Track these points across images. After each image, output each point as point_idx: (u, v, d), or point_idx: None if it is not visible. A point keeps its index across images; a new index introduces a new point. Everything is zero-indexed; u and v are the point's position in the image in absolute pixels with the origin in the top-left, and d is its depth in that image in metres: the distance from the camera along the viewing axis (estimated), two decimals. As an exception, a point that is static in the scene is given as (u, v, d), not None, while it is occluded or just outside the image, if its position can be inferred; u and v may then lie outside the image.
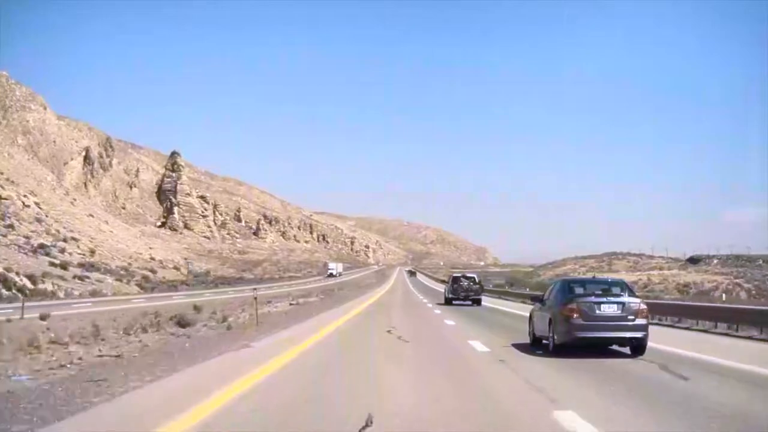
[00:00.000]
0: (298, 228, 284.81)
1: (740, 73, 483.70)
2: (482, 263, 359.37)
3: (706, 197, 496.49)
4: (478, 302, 47.69)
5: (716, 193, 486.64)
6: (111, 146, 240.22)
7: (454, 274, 53.30)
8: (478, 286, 49.06)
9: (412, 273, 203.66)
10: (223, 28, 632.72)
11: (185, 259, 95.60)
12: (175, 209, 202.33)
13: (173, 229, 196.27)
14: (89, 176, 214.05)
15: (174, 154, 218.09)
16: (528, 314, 19.93)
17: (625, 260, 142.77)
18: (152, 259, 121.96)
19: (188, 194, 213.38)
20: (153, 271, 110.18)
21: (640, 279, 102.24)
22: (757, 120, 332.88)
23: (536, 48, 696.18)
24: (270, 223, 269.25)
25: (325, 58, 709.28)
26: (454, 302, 47.34)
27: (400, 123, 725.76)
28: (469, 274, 52.60)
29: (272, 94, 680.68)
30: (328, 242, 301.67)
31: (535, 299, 20.44)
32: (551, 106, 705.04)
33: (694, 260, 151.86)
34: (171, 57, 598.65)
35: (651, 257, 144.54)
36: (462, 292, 47.65)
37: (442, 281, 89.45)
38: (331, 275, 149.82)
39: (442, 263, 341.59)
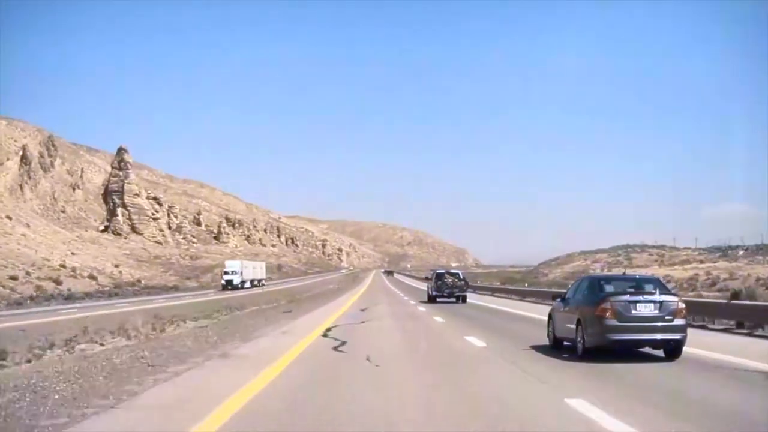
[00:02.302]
0: (265, 231, 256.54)
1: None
2: (455, 264, 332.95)
3: (687, 193, 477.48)
4: (463, 299, 45.95)
5: (697, 188, 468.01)
6: (53, 145, 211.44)
7: (438, 271, 50.41)
8: (462, 282, 47.18)
9: (389, 273, 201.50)
10: (195, 28, 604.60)
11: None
12: (119, 211, 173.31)
13: (116, 233, 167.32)
14: (26, 177, 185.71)
15: (121, 151, 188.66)
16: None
17: (646, 253, 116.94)
18: (62, 266, 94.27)
19: (137, 194, 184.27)
20: (57, 281, 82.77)
21: (697, 274, 76.12)
22: (742, 117, 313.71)
23: (520, 43, 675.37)
24: (233, 226, 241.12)
25: (298, 61, 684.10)
26: (438, 299, 45.81)
27: (376, 124, 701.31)
28: (453, 271, 50.93)
29: (246, 100, 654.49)
30: (297, 246, 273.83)
31: (556, 297, 18.54)
32: (535, 106, 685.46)
33: (718, 251, 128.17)
34: (143, 62, 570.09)
35: (675, 249, 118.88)
36: (446, 289, 46.11)
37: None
38: (229, 284, 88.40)
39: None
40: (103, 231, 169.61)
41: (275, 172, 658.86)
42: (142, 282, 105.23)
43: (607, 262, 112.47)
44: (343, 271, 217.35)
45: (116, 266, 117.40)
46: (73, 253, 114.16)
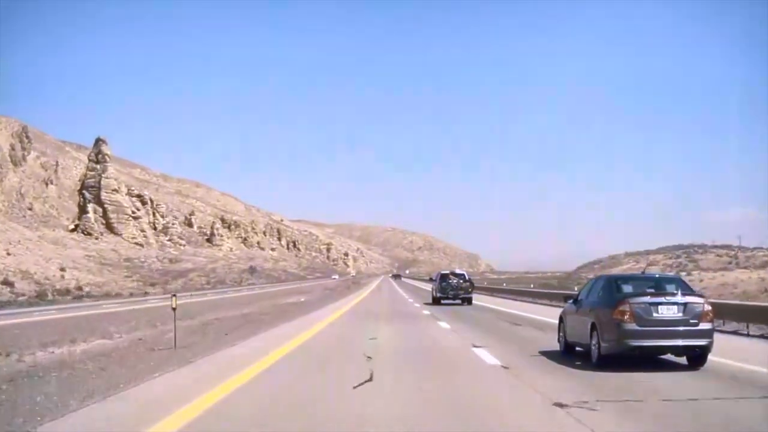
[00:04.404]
0: (264, 234, 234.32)
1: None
2: (459, 271, 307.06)
3: (689, 198, 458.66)
4: (468, 301, 43.23)
5: (698, 193, 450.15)
6: (27, 137, 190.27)
7: (442, 272, 47.49)
8: (468, 283, 44.26)
9: (396, 276, 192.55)
10: (196, 27, 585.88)
11: None
12: (90, 207, 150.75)
13: (87, 232, 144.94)
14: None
15: (99, 142, 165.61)
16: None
17: (712, 254, 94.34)
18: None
19: (115, 190, 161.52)
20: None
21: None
22: (738, 121, 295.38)
23: (526, 48, 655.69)
24: (228, 227, 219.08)
25: (305, 61, 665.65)
26: (443, 301, 43.45)
27: (382, 127, 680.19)
28: (458, 271, 47.93)
29: (251, 103, 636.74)
30: (299, 249, 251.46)
31: (567, 299, 16.84)
32: (538, 110, 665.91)
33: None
34: (145, 61, 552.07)
35: (745, 249, 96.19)
36: (451, 291, 43.43)
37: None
38: None
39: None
40: (72, 230, 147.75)
41: (282, 176, 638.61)
42: (86, 289, 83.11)
43: (666, 265, 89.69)
44: (336, 276, 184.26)
45: (62, 270, 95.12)
46: (8, 254, 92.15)
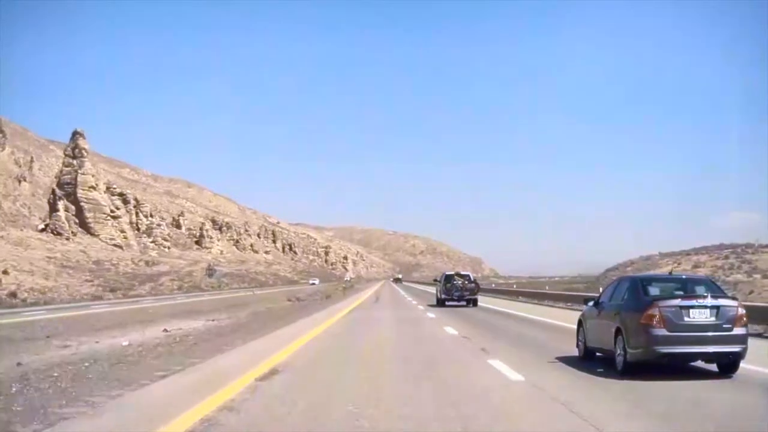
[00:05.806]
0: (258, 236, 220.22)
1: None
2: (462, 271, 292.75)
3: (693, 202, 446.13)
4: (474, 302, 42.07)
5: (703, 198, 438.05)
6: (2, 131, 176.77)
7: (447, 273, 45.02)
8: (473, 285, 42.95)
9: (397, 280, 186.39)
10: (196, 26, 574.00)
11: None
12: (60, 205, 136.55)
13: (57, 233, 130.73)
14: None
15: (76, 136, 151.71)
16: None
17: (767, 254, 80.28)
18: None
19: (93, 187, 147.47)
20: None
21: None
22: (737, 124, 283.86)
23: (531, 49, 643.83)
24: (220, 229, 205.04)
25: (305, 61, 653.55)
26: (447, 303, 42.34)
27: (386, 131, 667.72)
28: (462, 272, 45.15)
29: (254, 108, 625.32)
30: (296, 253, 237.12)
31: (587, 301, 14.88)
32: (538, 111, 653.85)
33: None
34: (140, 63, 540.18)
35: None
36: (456, 292, 42.03)
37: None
38: None
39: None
40: (42, 230, 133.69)
41: (282, 179, 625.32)
42: (23, 294, 69.16)
43: (716, 267, 75.85)
44: (315, 281, 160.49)
45: (5, 273, 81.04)
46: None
